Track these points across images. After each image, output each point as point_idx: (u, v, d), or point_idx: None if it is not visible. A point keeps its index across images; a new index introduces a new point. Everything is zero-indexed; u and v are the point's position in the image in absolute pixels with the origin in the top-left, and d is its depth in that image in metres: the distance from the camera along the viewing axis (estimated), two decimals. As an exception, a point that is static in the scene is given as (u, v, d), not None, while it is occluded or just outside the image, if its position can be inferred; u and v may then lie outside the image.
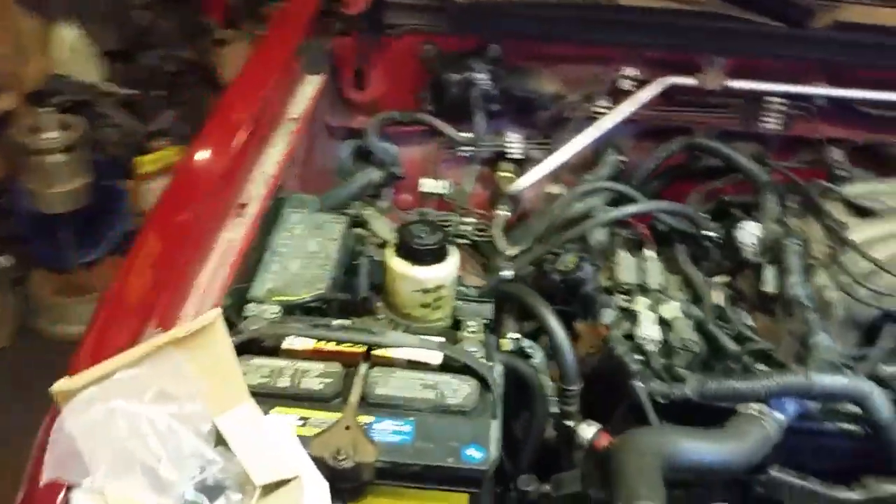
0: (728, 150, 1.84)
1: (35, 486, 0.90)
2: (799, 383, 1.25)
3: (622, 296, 1.52)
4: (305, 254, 1.42)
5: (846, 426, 1.34)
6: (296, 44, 1.82)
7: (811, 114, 1.92)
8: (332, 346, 1.21)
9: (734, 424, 1.25)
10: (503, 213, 1.85)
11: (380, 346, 1.19)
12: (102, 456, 0.82)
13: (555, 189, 1.93)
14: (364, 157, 1.94)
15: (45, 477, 0.83)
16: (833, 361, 1.31)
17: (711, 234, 1.71)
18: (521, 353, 1.46)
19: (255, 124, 1.54)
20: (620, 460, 1.15)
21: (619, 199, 1.79)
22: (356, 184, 1.83)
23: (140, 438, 0.84)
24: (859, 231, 1.54)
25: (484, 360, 1.21)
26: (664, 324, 1.45)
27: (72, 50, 3.49)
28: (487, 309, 1.39)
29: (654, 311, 1.47)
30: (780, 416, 1.27)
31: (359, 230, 1.58)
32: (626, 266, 1.58)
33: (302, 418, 1.10)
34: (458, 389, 1.15)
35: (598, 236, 1.66)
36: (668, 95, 1.90)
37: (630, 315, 1.47)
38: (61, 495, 0.89)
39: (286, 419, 1.08)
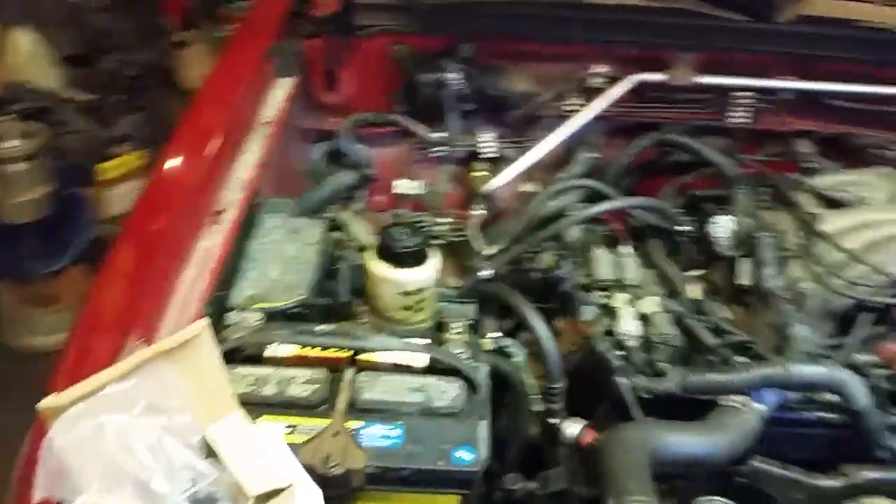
0: (698, 145, 1.86)
1: (26, 506, 0.89)
2: (779, 374, 1.27)
3: (601, 292, 1.53)
4: (284, 259, 1.41)
5: (824, 415, 1.36)
6: (265, 46, 1.80)
7: (778, 107, 1.95)
8: (316, 352, 1.20)
9: (717, 417, 1.27)
10: (478, 212, 1.85)
11: (366, 350, 1.19)
12: (93, 472, 0.81)
13: (529, 187, 1.93)
14: (336, 159, 1.93)
15: (37, 496, 0.81)
16: (811, 352, 1.33)
17: (685, 228, 1.73)
18: (502, 353, 1.47)
19: (228, 129, 1.52)
20: (608, 456, 1.16)
21: (592, 197, 1.81)
22: (330, 187, 1.81)
23: (130, 453, 0.82)
24: (830, 222, 1.57)
25: (470, 361, 1.21)
26: (643, 319, 1.46)
27: (29, 56, 3.41)
28: (471, 309, 1.39)
29: (632, 307, 1.48)
30: (760, 406, 1.29)
31: (337, 234, 1.57)
32: (603, 263, 1.59)
33: (290, 426, 1.10)
34: (446, 391, 1.15)
35: (574, 234, 1.67)
36: (638, 92, 1.91)
37: (609, 311, 1.47)
38: (54, 514, 0.87)
39: (275, 427, 1.07)
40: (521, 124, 1.98)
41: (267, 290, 1.34)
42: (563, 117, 1.91)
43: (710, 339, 1.43)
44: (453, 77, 1.86)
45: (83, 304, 1.18)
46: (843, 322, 1.45)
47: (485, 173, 1.92)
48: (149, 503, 0.84)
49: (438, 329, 1.36)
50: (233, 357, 1.17)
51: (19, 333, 3.26)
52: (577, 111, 1.90)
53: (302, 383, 1.15)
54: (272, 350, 1.20)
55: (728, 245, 1.63)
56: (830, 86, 1.90)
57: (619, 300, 1.49)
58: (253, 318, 1.27)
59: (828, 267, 1.47)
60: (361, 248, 1.49)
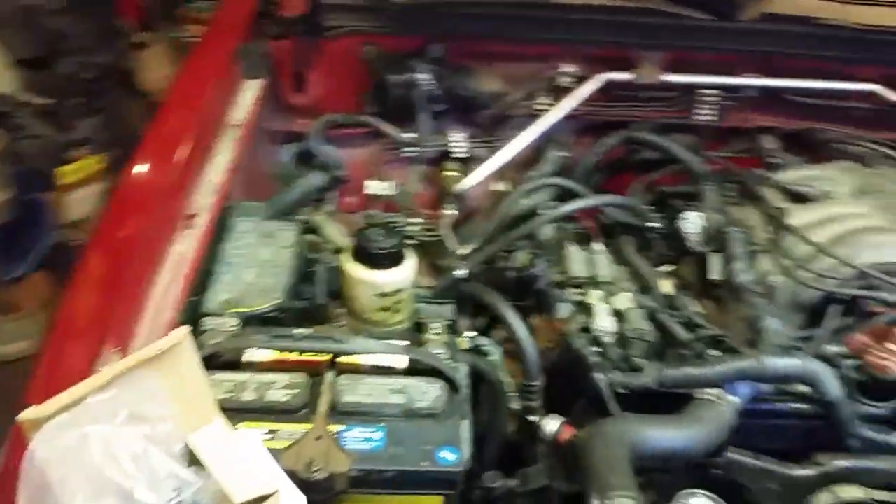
0: (666, 143, 1.89)
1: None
2: (753, 367, 1.29)
3: (575, 290, 1.54)
4: (258, 263, 1.40)
5: (796, 406, 1.39)
6: (232, 48, 1.79)
7: (743, 104, 1.98)
8: (294, 356, 1.19)
9: (693, 410, 1.28)
10: (450, 212, 1.85)
11: (346, 353, 1.18)
12: (77, 483, 0.79)
13: (499, 186, 1.94)
14: (306, 160, 1.92)
15: (20, 511, 0.80)
16: (783, 344, 1.35)
17: (656, 225, 1.75)
18: (479, 351, 1.47)
19: (198, 132, 1.50)
20: (589, 452, 1.16)
21: (563, 195, 1.82)
22: (300, 188, 1.79)
23: (115, 463, 0.81)
24: (797, 216, 1.60)
25: (450, 362, 1.22)
26: (617, 315, 1.48)
27: (-18, 60, 3.34)
28: (449, 310, 1.39)
29: (607, 303, 1.50)
30: (735, 399, 1.31)
31: (311, 236, 1.56)
32: (576, 260, 1.60)
33: (270, 431, 1.09)
34: (427, 392, 1.16)
35: (547, 232, 1.68)
36: (607, 91, 1.93)
37: (585, 308, 1.49)
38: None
39: (256, 433, 1.06)
40: (491, 124, 1.98)
41: (242, 294, 1.33)
42: (532, 116, 1.92)
43: (683, 334, 1.45)
44: (423, 78, 1.86)
45: (55, 312, 1.16)
46: (813, 314, 1.48)
47: (456, 173, 1.92)
48: (133, 513, 0.83)
49: (416, 330, 1.36)
50: (210, 363, 1.15)
51: (-19, 342, 3.19)
52: (547, 110, 1.91)
53: (281, 388, 1.14)
54: (250, 355, 1.19)
55: (698, 240, 1.65)
56: (792, 82, 1.93)
57: (594, 297, 1.50)
58: (229, 323, 1.26)
59: (796, 260, 1.49)
60: (337, 251, 1.48)
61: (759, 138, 1.94)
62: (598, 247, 1.67)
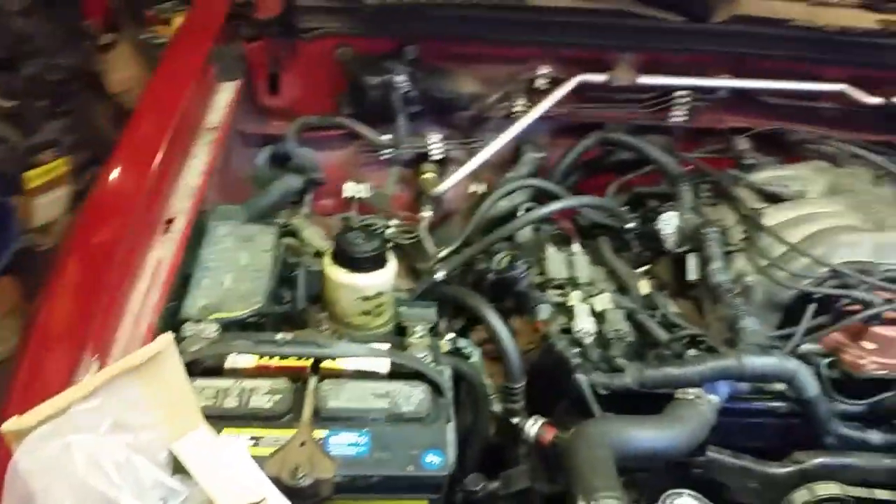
0: (641, 144, 1.90)
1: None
2: (732, 366, 1.30)
3: (555, 291, 1.55)
4: (237, 267, 1.38)
5: (774, 404, 1.41)
6: (206, 50, 1.77)
7: (715, 105, 2.00)
8: (276, 362, 1.18)
9: (674, 410, 1.29)
10: (428, 214, 1.85)
11: (329, 358, 1.18)
12: (61, 493, 0.78)
13: (476, 188, 1.94)
14: (281, 163, 1.90)
15: (5, 522, 0.78)
16: (761, 344, 1.37)
17: (632, 226, 1.76)
18: (459, 353, 1.47)
19: (173, 135, 1.48)
20: (573, 454, 1.16)
21: (538, 196, 1.83)
22: (277, 191, 1.78)
23: (100, 472, 0.80)
24: (771, 216, 1.62)
25: (433, 365, 1.21)
26: (597, 316, 1.48)
27: (-55, 63, 3.27)
28: (431, 313, 1.38)
29: (586, 304, 1.50)
30: (714, 398, 1.32)
31: (289, 240, 1.54)
32: (556, 262, 1.61)
33: (254, 438, 1.08)
34: (411, 396, 1.15)
35: (526, 234, 1.69)
36: (582, 92, 1.94)
37: (565, 309, 1.49)
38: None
39: (241, 440, 1.05)
40: (467, 126, 1.98)
41: (221, 299, 1.31)
42: (509, 118, 1.92)
43: (662, 334, 1.46)
44: (400, 79, 1.85)
45: (32, 319, 1.14)
46: (788, 313, 1.50)
47: (433, 175, 1.92)
48: (119, 524, 0.82)
49: (398, 333, 1.36)
50: (191, 370, 1.13)
51: (-52, 348, 3.12)
52: (523, 112, 1.92)
53: (264, 394, 1.13)
54: (232, 361, 1.18)
55: (675, 241, 1.66)
56: (765, 83, 1.96)
57: (574, 298, 1.51)
58: (209, 329, 1.24)
59: (772, 260, 1.51)
60: (317, 254, 1.47)
61: (733, 139, 1.96)
62: (576, 248, 1.68)
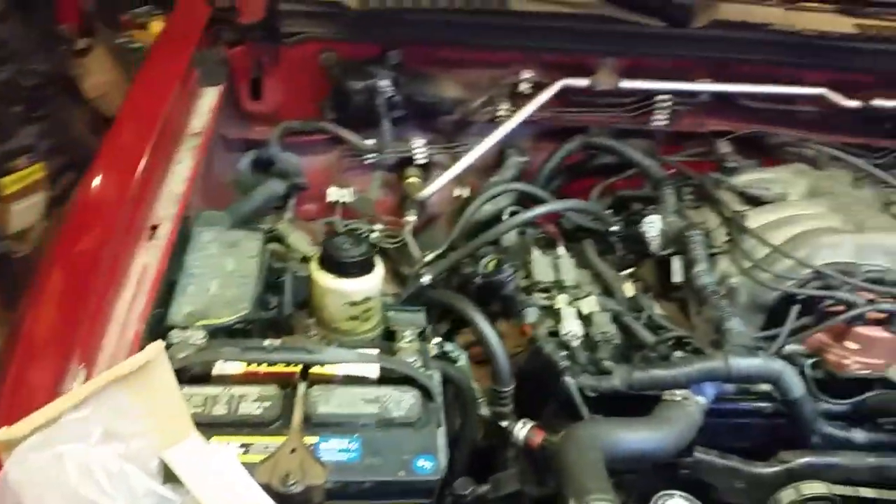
0: (624, 147, 1.92)
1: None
2: (718, 368, 1.31)
3: (541, 294, 1.55)
4: (223, 273, 1.37)
5: (760, 404, 1.42)
6: (189, 55, 1.75)
7: (696, 109, 2.02)
8: (265, 368, 1.18)
9: (662, 411, 1.30)
10: (413, 219, 1.85)
11: (319, 363, 1.17)
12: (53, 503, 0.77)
13: (459, 192, 1.95)
14: (263, 168, 1.89)
15: (-5, 535, 0.77)
16: (747, 345, 1.38)
17: (616, 229, 1.77)
18: (447, 357, 1.47)
19: (157, 141, 1.47)
20: (563, 457, 1.17)
21: (522, 200, 1.83)
22: (260, 196, 1.77)
23: (92, 482, 0.79)
24: (754, 218, 1.63)
25: (423, 370, 1.21)
26: (584, 318, 1.49)
27: (-83, 68, 3.23)
28: (420, 317, 1.38)
29: (573, 307, 1.51)
30: (701, 399, 1.33)
31: (275, 245, 1.54)
32: (542, 265, 1.62)
33: (243, 445, 1.07)
34: (401, 401, 1.15)
35: (512, 237, 1.69)
36: (565, 97, 1.95)
37: (552, 312, 1.50)
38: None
39: (230, 447, 1.04)
40: (451, 130, 1.98)
41: (207, 305, 1.30)
42: (492, 122, 1.93)
43: (648, 336, 1.47)
44: (383, 84, 1.85)
45: (17, 328, 1.13)
46: (772, 314, 1.51)
47: (417, 179, 1.92)
48: (111, 534, 0.81)
49: (387, 338, 1.35)
50: (179, 377, 1.12)
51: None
52: (507, 116, 1.92)
53: (253, 401, 1.12)
54: (220, 368, 1.17)
55: (658, 244, 1.67)
56: (745, 87, 1.98)
57: (560, 301, 1.51)
58: (196, 336, 1.23)
59: (755, 262, 1.53)
60: (304, 259, 1.46)
61: (714, 142, 1.98)
62: (561, 251, 1.68)
